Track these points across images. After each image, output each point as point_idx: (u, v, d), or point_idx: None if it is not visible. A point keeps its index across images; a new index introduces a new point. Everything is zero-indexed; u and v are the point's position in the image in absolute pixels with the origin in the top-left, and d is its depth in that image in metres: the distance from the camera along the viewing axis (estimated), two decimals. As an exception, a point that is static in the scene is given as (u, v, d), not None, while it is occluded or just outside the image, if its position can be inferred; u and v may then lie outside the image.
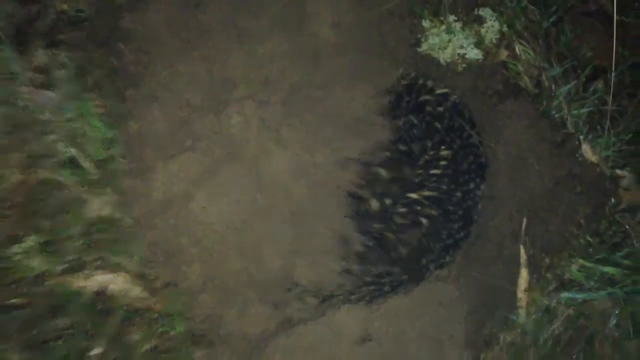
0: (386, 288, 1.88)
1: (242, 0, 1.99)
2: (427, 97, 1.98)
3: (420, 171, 1.91)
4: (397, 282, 1.89)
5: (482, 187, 1.99)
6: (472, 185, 1.96)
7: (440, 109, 1.98)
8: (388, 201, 1.87)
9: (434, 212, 1.89)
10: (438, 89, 2.00)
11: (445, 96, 2.00)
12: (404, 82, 2.01)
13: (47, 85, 1.85)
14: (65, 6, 1.93)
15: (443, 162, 1.92)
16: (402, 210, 1.88)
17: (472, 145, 1.99)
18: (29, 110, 1.83)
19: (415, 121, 1.94)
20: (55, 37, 1.89)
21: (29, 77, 1.84)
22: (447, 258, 1.93)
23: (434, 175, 1.91)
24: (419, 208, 1.88)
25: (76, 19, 1.93)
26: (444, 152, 1.93)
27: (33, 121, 1.82)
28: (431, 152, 1.93)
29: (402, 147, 1.91)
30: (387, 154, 1.90)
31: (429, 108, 1.96)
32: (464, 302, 1.92)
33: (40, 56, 1.86)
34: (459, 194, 1.93)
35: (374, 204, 1.87)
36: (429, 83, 2.01)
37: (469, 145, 1.98)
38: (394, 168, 1.90)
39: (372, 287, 1.87)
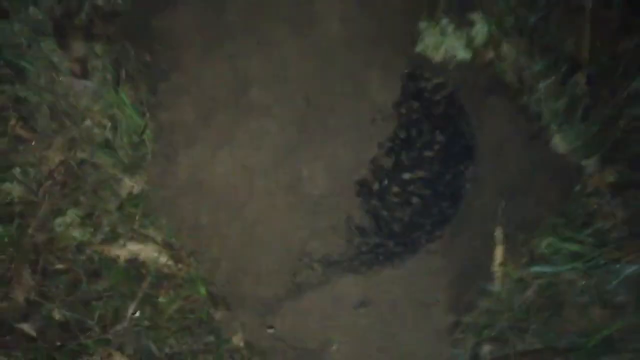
0: (381, 258, 2.14)
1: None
2: (426, 84, 2.18)
3: (415, 153, 2.14)
4: (391, 254, 2.14)
5: (469, 170, 2.19)
6: (461, 168, 2.17)
7: (437, 97, 2.19)
8: (385, 182, 2.12)
9: (425, 192, 2.14)
10: (435, 79, 2.20)
11: (441, 86, 2.20)
12: (406, 71, 2.19)
13: (84, 75, 2.04)
14: (100, 1, 2.08)
15: (436, 146, 2.15)
16: (396, 190, 2.13)
17: (463, 132, 2.20)
18: (69, 97, 2.03)
19: (416, 106, 2.16)
20: (92, 30, 2.05)
21: (68, 67, 2.04)
22: (437, 233, 2.16)
23: (427, 157, 2.14)
24: (411, 188, 2.13)
25: (111, 14, 2.08)
26: (439, 137, 2.15)
27: (72, 108, 2.03)
28: (428, 136, 2.15)
29: (402, 135, 2.14)
30: (390, 144, 2.13)
31: (427, 95, 2.17)
32: (449, 272, 2.15)
33: (78, 48, 2.04)
34: (448, 176, 2.16)
35: (375, 186, 2.12)
36: (428, 74, 2.20)
37: (460, 132, 2.19)
38: (394, 156, 2.13)
39: (368, 256, 2.13)
